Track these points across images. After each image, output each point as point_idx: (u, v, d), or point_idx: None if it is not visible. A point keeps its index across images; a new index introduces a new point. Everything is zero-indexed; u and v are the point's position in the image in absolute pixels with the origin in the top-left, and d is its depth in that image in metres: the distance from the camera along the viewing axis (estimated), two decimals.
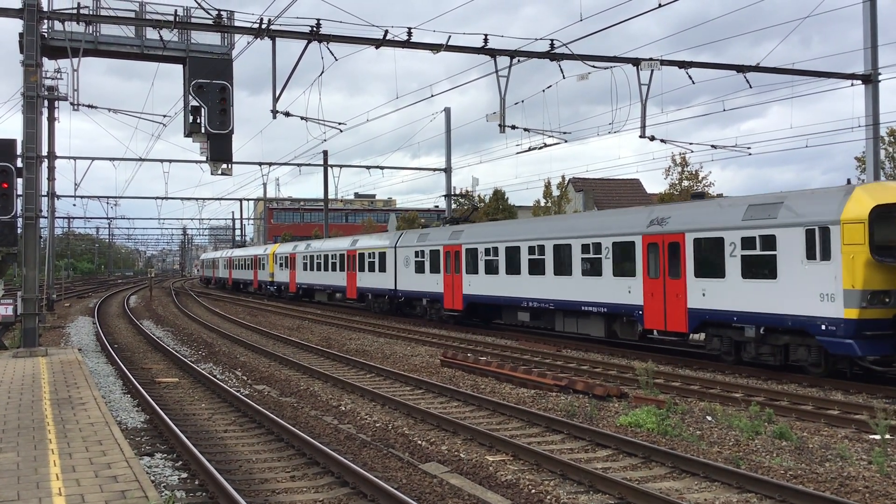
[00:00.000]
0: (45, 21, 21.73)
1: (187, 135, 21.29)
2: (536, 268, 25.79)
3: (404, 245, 35.42)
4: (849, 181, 18.96)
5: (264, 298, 58.47)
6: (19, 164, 21.70)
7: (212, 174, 22.03)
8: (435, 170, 51.00)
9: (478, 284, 29.29)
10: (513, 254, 27.23)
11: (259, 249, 65.13)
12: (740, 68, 24.27)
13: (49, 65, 37.51)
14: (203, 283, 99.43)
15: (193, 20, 21.77)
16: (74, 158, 46.24)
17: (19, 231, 22.22)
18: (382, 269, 37.48)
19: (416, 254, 33.94)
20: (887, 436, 11.50)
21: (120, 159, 46.38)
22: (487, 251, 28.71)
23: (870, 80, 25.47)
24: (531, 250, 26.14)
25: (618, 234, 22.40)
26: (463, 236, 30.91)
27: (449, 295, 31.70)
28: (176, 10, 21.33)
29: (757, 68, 24.31)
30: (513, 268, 27.18)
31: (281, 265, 55.49)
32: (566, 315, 25.01)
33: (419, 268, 33.77)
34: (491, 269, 28.40)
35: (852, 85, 25.81)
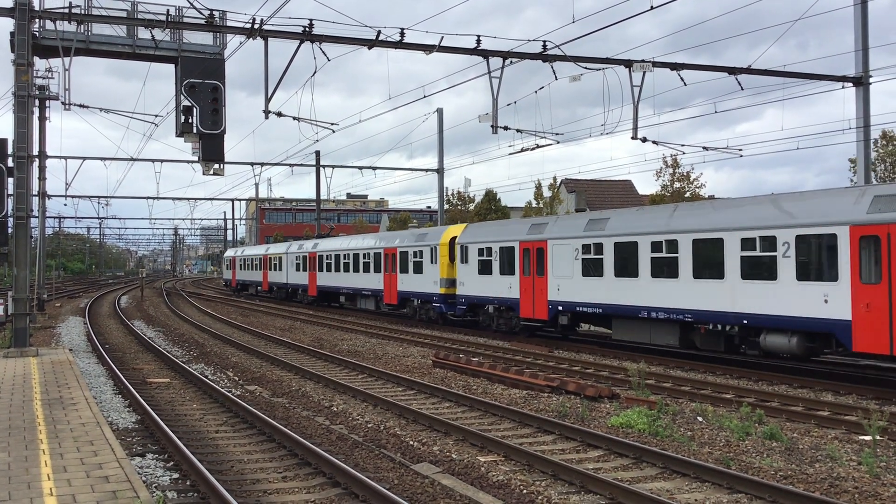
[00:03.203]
0: (37, 20, 21.66)
1: (179, 135, 21.30)
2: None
3: None
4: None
5: (417, 325, 33.70)
6: (10, 163, 21.62)
7: (203, 174, 22.06)
8: (427, 170, 51.09)
9: None
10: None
11: (404, 238, 36.23)
12: (732, 70, 24.37)
13: (40, 64, 37.45)
14: (235, 290, 71.07)
15: (185, 20, 21.71)
16: (65, 158, 46.34)
17: (10, 231, 22.13)
18: None
19: None
20: (878, 437, 11.55)
21: (111, 159, 46.34)
22: None
23: (861, 82, 25.59)
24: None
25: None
26: None
27: None
28: (168, 10, 21.31)
29: (748, 70, 24.41)
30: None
31: (481, 266, 28.59)
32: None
33: None
34: None
35: (843, 87, 25.95)
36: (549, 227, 25.47)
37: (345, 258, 42.24)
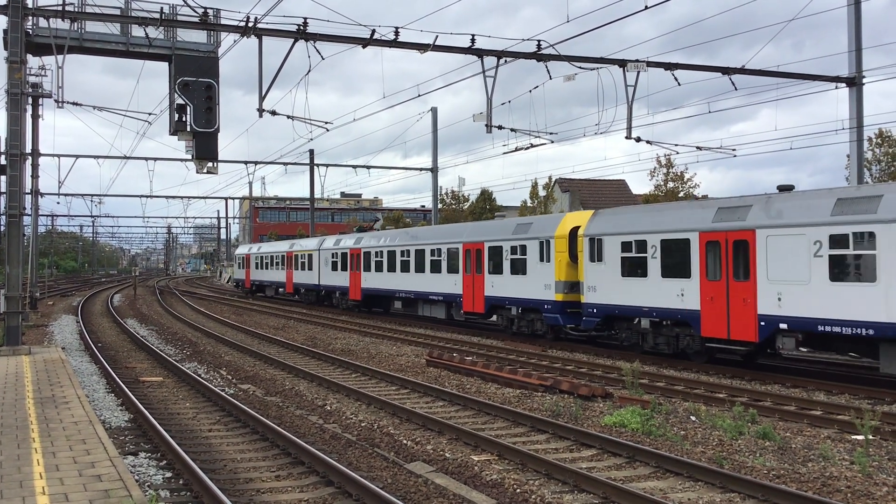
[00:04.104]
0: (30, 18, 21.59)
1: (173, 133, 21.23)
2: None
3: None
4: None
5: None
6: (3, 161, 21.57)
7: (197, 172, 21.99)
8: (421, 169, 51.14)
9: None
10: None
11: (496, 229, 28.72)
12: (726, 70, 24.44)
13: (33, 61, 37.35)
14: (250, 292, 60.79)
15: (179, 18, 21.67)
16: (58, 156, 46.19)
17: (3, 229, 22.08)
18: None
19: None
20: (870, 436, 11.59)
21: (104, 157, 46.33)
22: None
23: (854, 82, 25.69)
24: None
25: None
26: None
27: None
28: (162, 8, 21.26)
29: (742, 70, 24.48)
30: None
31: (627, 265, 21.96)
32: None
33: None
34: None
35: (837, 87, 26.04)
36: (755, 211, 18.60)
37: (403, 255, 34.36)
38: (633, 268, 21.50)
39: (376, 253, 37.08)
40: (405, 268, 34.06)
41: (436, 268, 31.49)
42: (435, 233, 33.69)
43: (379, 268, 36.68)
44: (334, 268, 42.51)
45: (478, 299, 28.57)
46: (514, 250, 26.68)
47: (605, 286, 22.32)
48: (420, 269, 32.72)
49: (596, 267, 22.66)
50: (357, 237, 41.01)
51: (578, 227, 23.98)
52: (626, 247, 21.76)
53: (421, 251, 32.81)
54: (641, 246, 21.28)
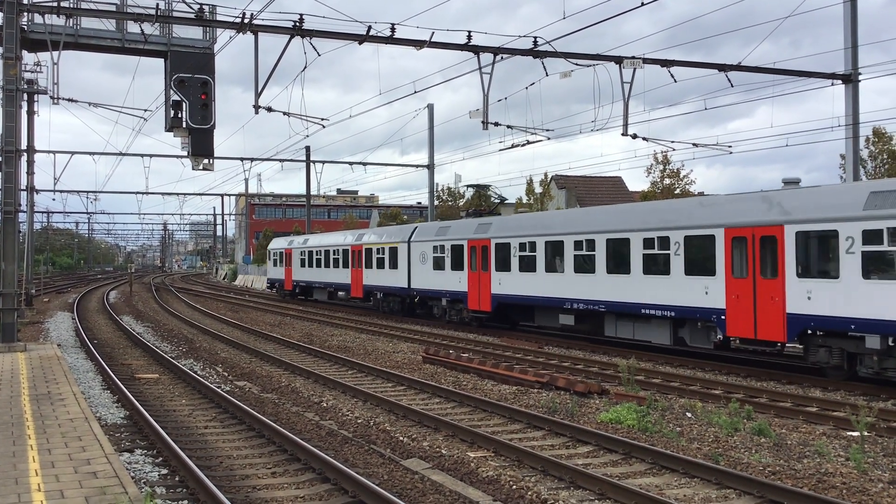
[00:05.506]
0: (25, 14, 21.52)
1: (168, 129, 21.23)
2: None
3: None
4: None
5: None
6: None
7: (193, 169, 22.00)
8: (418, 166, 51.17)
9: None
10: None
11: (824, 199, 16.58)
12: (722, 67, 24.42)
13: (29, 58, 37.23)
14: (290, 294, 49.88)
15: (175, 14, 21.62)
16: (54, 152, 46.16)
17: None
18: None
19: None
20: (865, 433, 11.61)
21: (99, 153, 46.30)
22: None
23: (850, 79, 25.71)
24: None
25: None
26: None
27: None
28: (157, 4, 21.21)
29: (738, 67, 24.48)
30: None
31: None
32: None
33: None
34: None
35: (832, 84, 26.06)
36: None
37: (578, 248, 23.51)
38: None
39: (522, 245, 26.28)
40: (583, 266, 23.40)
41: (652, 266, 20.90)
42: (648, 213, 22.19)
43: (527, 266, 25.92)
44: (437, 266, 31.50)
45: (766, 318, 17.54)
46: (870, 237, 15.44)
47: None
48: (617, 268, 22.08)
49: None
50: (478, 224, 29.55)
51: None
52: None
53: (620, 241, 21.95)
54: None
